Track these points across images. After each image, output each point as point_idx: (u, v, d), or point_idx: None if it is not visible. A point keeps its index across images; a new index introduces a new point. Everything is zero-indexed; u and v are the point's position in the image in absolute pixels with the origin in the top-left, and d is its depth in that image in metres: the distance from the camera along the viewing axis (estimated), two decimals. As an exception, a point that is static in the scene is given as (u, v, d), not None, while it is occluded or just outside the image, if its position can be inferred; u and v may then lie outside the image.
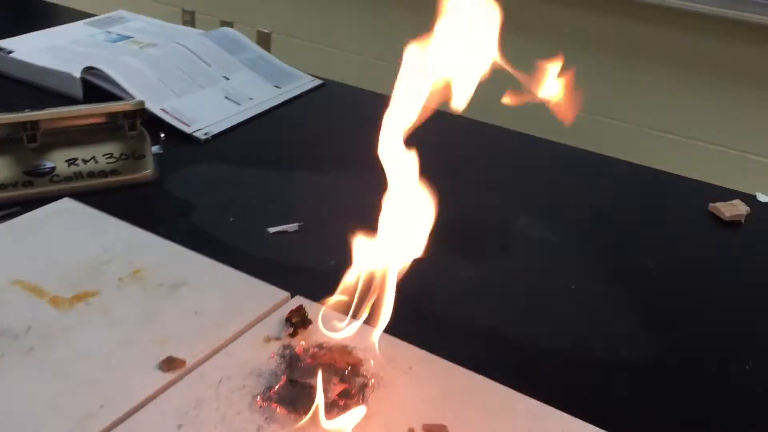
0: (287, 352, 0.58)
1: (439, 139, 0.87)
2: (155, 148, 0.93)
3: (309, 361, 0.57)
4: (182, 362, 0.60)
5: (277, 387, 0.56)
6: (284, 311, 0.66)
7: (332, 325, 0.62)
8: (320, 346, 0.59)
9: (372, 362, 0.58)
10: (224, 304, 0.67)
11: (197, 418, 0.55)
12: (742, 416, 0.62)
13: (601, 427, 0.56)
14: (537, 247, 0.82)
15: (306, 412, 0.54)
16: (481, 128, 1.08)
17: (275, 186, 0.91)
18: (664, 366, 0.66)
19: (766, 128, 1.41)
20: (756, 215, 0.89)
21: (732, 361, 0.67)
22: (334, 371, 0.56)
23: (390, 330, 0.60)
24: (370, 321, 0.60)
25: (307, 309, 0.65)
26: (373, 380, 0.57)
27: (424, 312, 0.70)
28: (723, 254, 0.84)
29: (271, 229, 0.81)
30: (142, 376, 0.58)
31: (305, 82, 1.19)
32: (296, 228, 0.81)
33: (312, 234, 0.81)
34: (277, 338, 0.63)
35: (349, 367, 0.56)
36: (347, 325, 0.60)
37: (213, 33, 1.23)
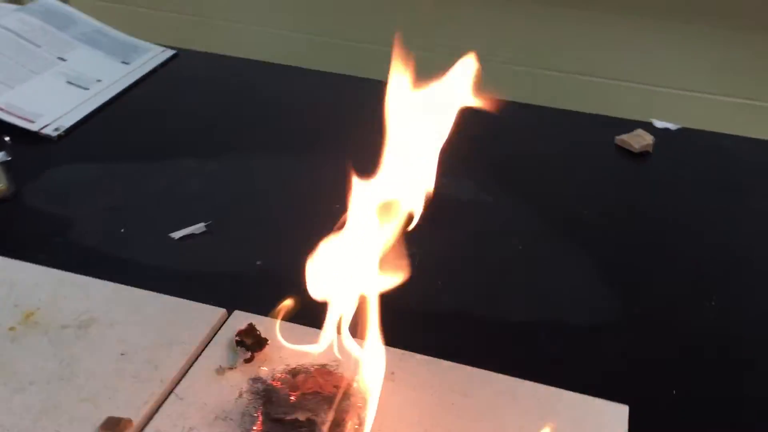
0: (260, 386, 0.49)
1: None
2: (0, 156, 0.77)
3: (290, 392, 0.48)
4: (128, 422, 0.48)
5: (255, 429, 0.47)
6: (227, 333, 0.56)
7: (299, 340, 0.53)
8: (293, 372, 0.50)
9: (358, 380, 0.50)
10: (152, 338, 0.56)
11: (172, 491, 0.45)
12: (722, 357, 0.61)
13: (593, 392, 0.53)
14: (473, 210, 0.77)
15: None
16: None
17: (161, 181, 0.78)
18: (634, 317, 0.64)
19: (641, 54, 1.43)
20: (659, 143, 0.89)
21: (696, 298, 0.66)
22: (322, 399, 0.48)
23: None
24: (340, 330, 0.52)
25: (248, 321, 0.55)
26: (364, 400, 0.49)
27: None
28: (646, 187, 0.83)
29: (175, 234, 0.69)
30: (82, 451, 0.47)
31: (155, 54, 1.04)
32: (203, 229, 0.70)
33: (223, 233, 0.70)
34: (231, 367, 0.53)
35: (339, 392, 0.48)
36: (322, 337, 0.51)
37: (32, 6, 1.04)
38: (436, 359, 0.55)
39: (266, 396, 0.48)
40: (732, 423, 0.54)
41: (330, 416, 0.47)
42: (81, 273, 0.62)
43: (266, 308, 0.58)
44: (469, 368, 0.54)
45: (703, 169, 0.87)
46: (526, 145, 0.91)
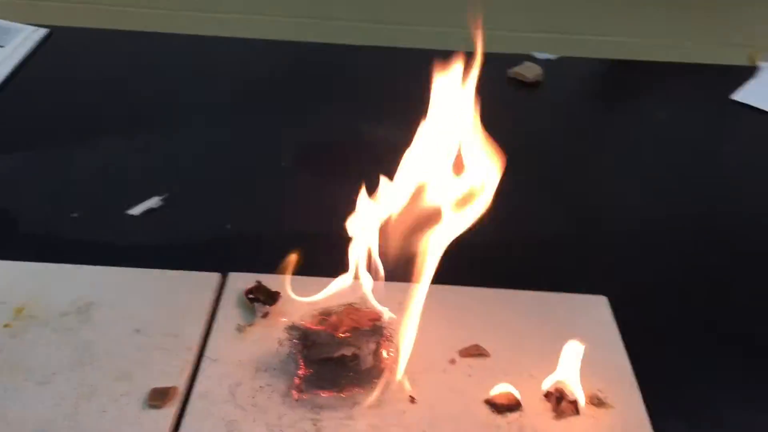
0: (297, 332, 0.51)
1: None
2: None
3: (332, 332, 0.50)
4: (175, 389, 0.49)
5: (301, 372, 0.50)
6: (230, 295, 0.58)
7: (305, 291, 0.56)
8: (325, 314, 0.52)
9: (387, 311, 0.53)
10: (160, 311, 0.56)
11: (244, 442, 0.46)
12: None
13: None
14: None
15: (349, 386, 0.49)
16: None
17: (95, 162, 0.75)
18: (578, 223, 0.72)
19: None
20: (545, 72, 0.97)
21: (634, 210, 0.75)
22: (360, 334, 0.51)
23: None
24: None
25: (249, 281, 0.57)
26: (394, 329, 0.53)
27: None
28: (546, 112, 0.91)
29: (134, 211, 0.68)
30: (140, 425, 0.47)
31: (28, 34, 0.98)
32: (161, 202, 0.69)
33: (182, 203, 0.70)
34: (250, 324, 0.55)
35: (373, 325, 0.51)
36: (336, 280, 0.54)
37: None
38: (443, 286, 0.59)
39: (306, 340, 0.50)
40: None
41: (372, 347, 0.50)
42: (52, 262, 0.60)
43: (254, 267, 0.60)
44: (467, 288, 0.59)
45: (584, 92, 0.97)
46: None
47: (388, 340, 0.51)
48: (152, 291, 0.58)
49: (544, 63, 1.01)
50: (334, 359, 0.50)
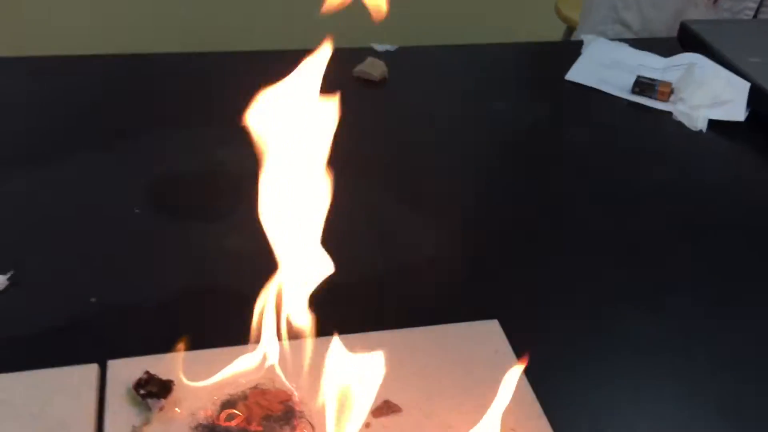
0: (203, 427, 0.47)
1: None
2: None
3: (242, 425, 0.47)
4: None
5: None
6: (115, 388, 0.52)
7: (207, 364, 0.52)
8: (229, 404, 0.49)
9: (294, 389, 0.51)
10: (36, 424, 0.50)
11: None
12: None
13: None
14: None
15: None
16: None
17: None
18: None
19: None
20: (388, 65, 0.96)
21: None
22: (274, 421, 0.48)
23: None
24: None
25: (134, 367, 0.52)
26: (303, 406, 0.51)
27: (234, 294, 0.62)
28: (404, 111, 0.90)
29: (-25, 298, 0.60)
30: None
31: None
32: (6, 282, 0.61)
33: (31, 279, 0.62)
34: (146, 423, 0.51)
35: (285, 406, 0.49)
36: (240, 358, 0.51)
37: None
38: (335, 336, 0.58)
39: (215, 437, 0.47)
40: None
41: (286, 432, 0.48)
42: None
43: (133, 346, 0.55)
44: (355, 336, 0.58)
45: (441, 80, 0.97)
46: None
47: (301, 419, 0.49)
48: (20, 400, 0.51)
49: (384, 55, 1.00)
50: (247, 455, 0.47)
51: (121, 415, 0.51)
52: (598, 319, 0.63)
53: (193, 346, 0.54)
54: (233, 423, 0.47)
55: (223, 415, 0.48)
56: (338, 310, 0.55)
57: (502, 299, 0.64)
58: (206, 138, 0.81)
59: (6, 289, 0.61)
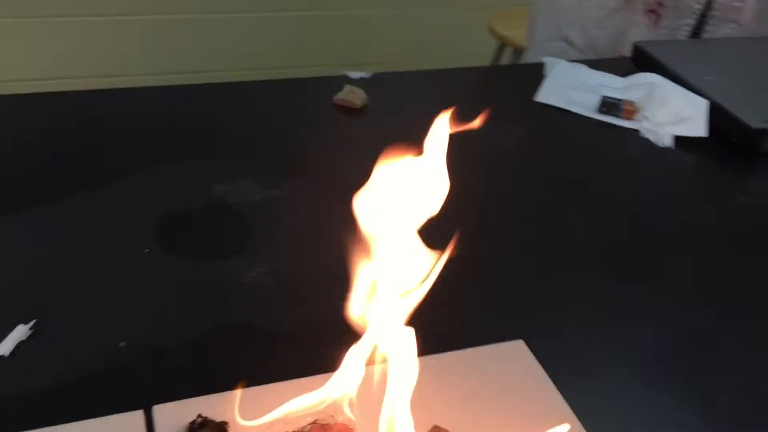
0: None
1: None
2: None
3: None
4: None
5: None
6: (166, 432, 0.52)
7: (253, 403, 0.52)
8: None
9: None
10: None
11: None
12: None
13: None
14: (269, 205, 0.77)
15: None
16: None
17: None
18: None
19: None
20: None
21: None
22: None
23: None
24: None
25: (180, 412, 0.52)
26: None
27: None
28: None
29: (0, 351, 0.58)
30: None
31: None
32: (29, 331, 0.59)
33: (54, 327, 0.61)
34: (206, 465, 0.50)
35: (349, 437, 0.50)
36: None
37: None
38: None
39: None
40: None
41: (352, 465, 0.49)
42: None
43: (171, 391, 0.54)
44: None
45: (419, 105, 0.99)
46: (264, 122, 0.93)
47: (363, 449, 0.50)
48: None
49: (358, 82, 1.02)
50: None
51: (177, 462, 0.51)
52: (599, 324, 0.67)
53: (232, 385, 0.54)
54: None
55: (289, 453, 0.48)
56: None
57: (516, 319, 0.67)
58: (201, 173, 0.81)
59: (29, 337, 0.59)
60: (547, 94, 1.03)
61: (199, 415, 0.52)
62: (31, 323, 0.60)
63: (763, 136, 0.95)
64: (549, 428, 0.52)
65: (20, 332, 0.59)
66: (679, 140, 0.96)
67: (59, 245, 0.69)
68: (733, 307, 0.71)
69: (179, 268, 0.68)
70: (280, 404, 0.52)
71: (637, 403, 0.59)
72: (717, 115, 0.98)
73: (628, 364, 0.63)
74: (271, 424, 0.51)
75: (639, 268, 0.75)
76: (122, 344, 0.60)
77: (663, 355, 0.64)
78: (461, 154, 0.90)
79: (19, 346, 0.58)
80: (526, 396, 0.58)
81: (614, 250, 0.77)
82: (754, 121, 0.95)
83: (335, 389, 0.50)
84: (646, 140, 0.97)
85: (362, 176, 0.82)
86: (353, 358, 0.50)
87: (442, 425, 0.55)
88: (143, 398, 0.54)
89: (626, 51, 1.19)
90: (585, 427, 0.55)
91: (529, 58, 1.43)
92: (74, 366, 0.58)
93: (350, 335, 0.52)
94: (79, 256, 0.68)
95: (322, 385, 0.52)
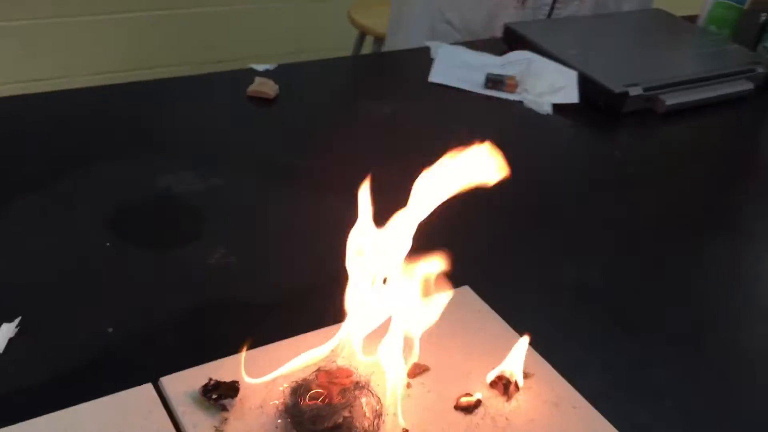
0: (287, 411, 0.54)
1: None
2: None
3: (328, 401, 0.54)
4: None
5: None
6: (181, 400, 0.56)
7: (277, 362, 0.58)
8: (305, 388, 0.56)
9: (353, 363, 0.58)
10: (127, 442, 0.53)
11: None
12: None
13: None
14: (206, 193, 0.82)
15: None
16: None
17: None
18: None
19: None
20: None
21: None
22: (347, 392, 0.56)
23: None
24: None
25: (186, 380, 0.57)
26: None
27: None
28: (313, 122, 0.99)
29: (-8, 348, 0.59)
30: None
31: None
32: (17, 328, 0.61)
33: (37, 320, 0.63)
34: (224, 420, 0.56)
35: (352, 381, 0.57)
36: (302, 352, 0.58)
37: None
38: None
39: (299, 417, 0.54)
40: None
41: (358, 402, 0.56)
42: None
43: (169, 366, 0.59)
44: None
45: (326, 92, 1.06)
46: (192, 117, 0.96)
47: (365, 389, 0.57)
48: (104, 428, 0.54)
49: (264, 74, 1.07)
50: (337, 425, 0.54)
51: (198, 421, 0.55)
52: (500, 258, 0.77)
53: (226, 351, 0.59)
54: (318, 401, 0.54)
55: (301, 397, 0.55)
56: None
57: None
58: (140, 168, 0.84)
59: (17, 335, 0.61)
60: (438, 75, 1.13)
61: (211, 379, 0.57)
62: (17, 320, 0.62)
63: (625, 99, 1.10)
64: (507, 352, 0.62)
65: (8, 329, 0.61)
66: (557, 107, 1.09)
67: (18, 248, 0.71)
68: (631, 241, 0.84)
69: (144, 258, 0.72)
70: (280, 362, 0.58)
71: (570, 324, 0.70)
72: (585, 83, 1.12)
73: (553, 297, 0.74)
74: (276, 378, 0.57)
75: (545, 217, 0.86)
76: (110, 330, 0.63)
77: (582, 287, 0.76)
78: (371, 129, 0.99)
79: (10, 343, 0.60)
80: (481, 330, 0.67)
81: (521, 205, 0.88)
82: (617, 87, 1.10)
83: (334, 341, 0.57)
84: (529, 109, 1.09)
85: (291, 158, 0.89)
86: (347, 309, 0.57)
87: (422, 362, 0.63)
88: (143, 376, 0.58)
89: (499, 32, 1.32)
90: (535, 349, 0.65)
91: (394, 44, 1.51)
92: (69, 355, 0.60)
93: (322, 294, 0.59)
94: (43, 256, 0.70)
95: (314, 341, 0.59)
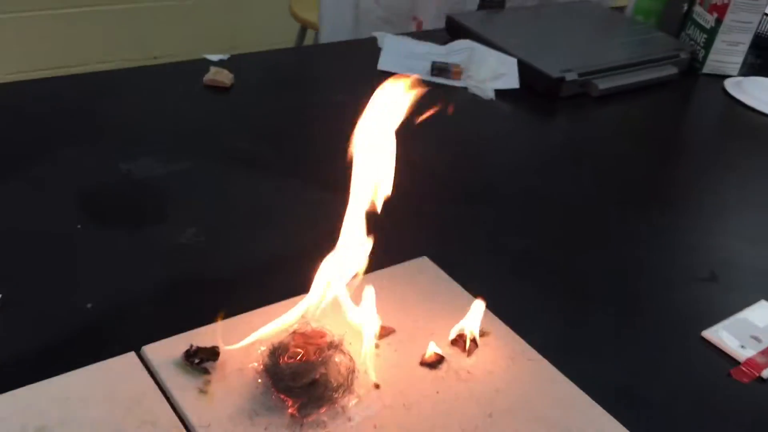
0: (266, 371, 0.58)
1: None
2: None
3: (306, 359, 0.59)
4: (205, 466, 0.53)
5: (291, 404, 0.58)
6: (164, 367, 0.60)
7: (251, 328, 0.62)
8: (280, 349, 0.60)
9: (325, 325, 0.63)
10: (114, 411, 0.56)
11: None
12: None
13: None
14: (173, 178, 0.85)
15: (332, 399, 0.59)
16: None
17: None
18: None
19: None
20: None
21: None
22: (317, 353, 0.60)
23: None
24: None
25: (167, 348, 0.61)
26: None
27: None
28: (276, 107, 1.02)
29: (-24, 325, 0.62)
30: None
31: None
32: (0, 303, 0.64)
33: (20, 296, 0.65)
34: (207, 382, 0.59)
35: (325, 341, 0.61)
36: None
37: None
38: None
39: (279, 375, 0.58)
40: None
41: (334, 360, 0.60)
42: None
43: (148, 337, 0.62)
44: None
45: (280, 80, 1.10)
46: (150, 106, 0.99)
47: (338, 349, 0.62)
48: (84, 394, 0.57)
49: (218, 63, 1.10)
50: (314, 381, 0.59)
51: (182, 384, 0.59)
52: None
53: (202, 322, 0.63)
54: (296, 360, 0.59)
55: (279, 357, 0.59)
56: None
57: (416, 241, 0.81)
58: (104, 154, 0.86)
59: (3, 306, 0.63)
60: (386, 63, 1.18)
61: (192, 344, 0.61)
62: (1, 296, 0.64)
63: (561, 84, 1.17)
64: (465, 314, 0.67)
65: (-9, 305, 0.63)
66: (499, 93, 1.16)
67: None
68: (569, 214, 0.90)
69: (116, 239, 0.74)
70: (254, 329, 0.62)
71: (518, 288, 0.76)
72: (524, 70, 1.18)
73: (503, 264, 0.80)
74: (253, 342, 0.61)
75: (492, 193, 0.92)
76: (89, 305, 0.66)
77: (528, 255, 0.82)
78: (333, 117, 1.03)
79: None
80: (440, 295, 0.72)
81: (470, 183, 0.93)
82: (554, 72, 1.17)
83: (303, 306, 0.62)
84: (474, 95, 1.15)
85: (250, 143, 0.92)
86: (317, 278, 0.62)
87: (386, 325, 0.68)
88: (125, 347, 0.61)
89: (423, 17, 1.38)
90: (490, 310, 0.70)
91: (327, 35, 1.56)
92: (51, 330, 0.63)
93: (288, 267, 0.63)
94: (15, 237, 0.72)
95: (284, 310, 0.63)
